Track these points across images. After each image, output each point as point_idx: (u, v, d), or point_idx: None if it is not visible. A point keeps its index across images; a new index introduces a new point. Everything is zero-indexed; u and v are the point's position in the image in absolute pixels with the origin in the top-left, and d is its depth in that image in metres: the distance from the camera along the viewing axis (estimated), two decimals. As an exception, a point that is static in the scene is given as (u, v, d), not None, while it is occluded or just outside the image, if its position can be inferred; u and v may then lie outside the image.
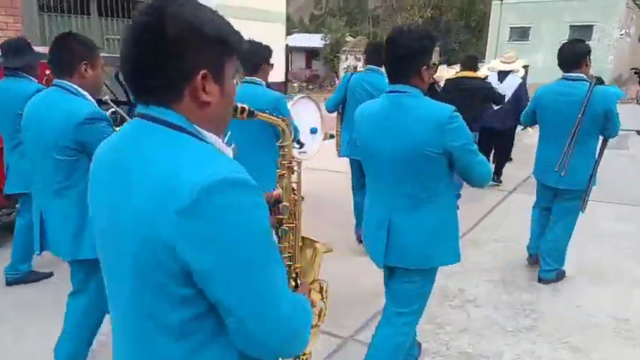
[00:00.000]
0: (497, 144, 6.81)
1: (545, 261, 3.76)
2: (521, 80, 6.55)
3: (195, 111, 0.97)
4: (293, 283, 1.33)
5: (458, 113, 2.03)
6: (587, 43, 3.54)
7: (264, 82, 3.34)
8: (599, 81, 3.34)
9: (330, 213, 5.20)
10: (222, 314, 0.93)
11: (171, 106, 0.96)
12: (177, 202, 0.85)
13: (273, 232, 1.27)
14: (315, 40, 45.44)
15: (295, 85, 40.96)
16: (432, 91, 3.48)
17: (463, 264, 4.00)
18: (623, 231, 5.07)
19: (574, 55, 3.38)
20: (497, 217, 5.60)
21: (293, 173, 1.38)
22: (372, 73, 4.15)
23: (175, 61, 0.93)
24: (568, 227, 3.70)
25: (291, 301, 0.98)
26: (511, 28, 31.40)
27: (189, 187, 0.85)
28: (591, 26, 28.82)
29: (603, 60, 26.92)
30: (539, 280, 3.80)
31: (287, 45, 14.13)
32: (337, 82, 34.30)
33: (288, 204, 1.33)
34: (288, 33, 64.33)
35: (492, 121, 6.20)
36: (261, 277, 0.92)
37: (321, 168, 6.89)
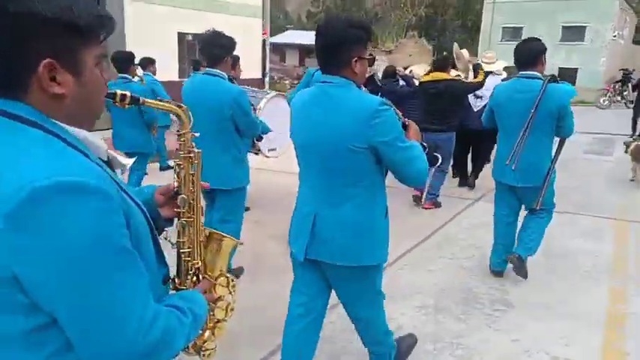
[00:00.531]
0: (476, 145, 6.58)
1: (522, 244, 3.71)
2: (501, 82, 6.25)
3: (48, 103, 0.90)
4: (194, 279, 1.29)
5: (387, 106, 1.90)
6: (540, 41, 3.46)
7: (225, 75, 3.22)
8: (554, 79, 3.31)
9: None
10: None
11: (20, 97, 0.88)
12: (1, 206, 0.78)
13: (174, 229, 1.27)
14: (309, 37, 44.95)
15: (287, 82, 40.57)
16: (372, 83, 3.12)
17: (395, 285, 3.62)
18: (586, 248, 4.60)
19: (530, 53, 3.35)
20: (451, 231, 5.14)
21: (192, 164, 1.29)
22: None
23: (14, 48, 0.85)
24: (545, 224, 3.72)
25: (148, 315, 0.90)
26: (503, 28, 30.93)
27: (12, 191, 0.78)
28: (584, 27, 28.37)
29: (595, 62, 26.49)
30: (514, 258, 3.69)
31: (265, 40, 13.60)
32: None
33: (186, 196, 1.27)
34: (283, 30, 64.46)
35: (471, 121, 5.98)
36: (99, 293, 0.85)
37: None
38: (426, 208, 5.73)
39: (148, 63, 6.91)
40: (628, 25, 33.37)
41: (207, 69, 3.24)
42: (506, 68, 7.21)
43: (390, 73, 6.53)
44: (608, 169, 8.40)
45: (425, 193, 5.73)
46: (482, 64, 6.36)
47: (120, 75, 5.04)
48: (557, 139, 3.56)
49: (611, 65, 28.26)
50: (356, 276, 2.13)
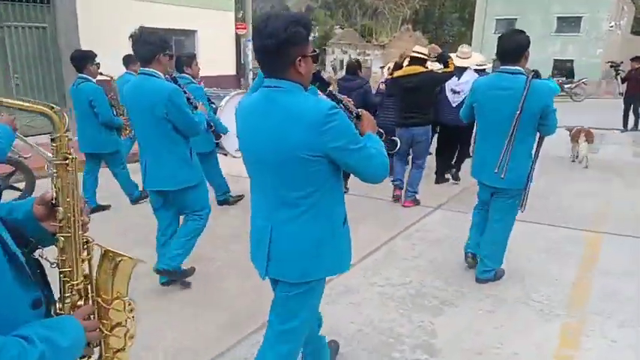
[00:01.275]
0: (455, 141, 6.49)
1: (484, 262, 3.62)
2: (477, 75, 6.01)
3: None
4: (79, 302, 1.18)
5: (337, 109, 1.77)
6: (524, 33, 3.22)
7: (159, 73, 3.12)
8: (536, 75, 3.11)
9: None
10: None
11: None
12: None
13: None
14: (304, 33, 44.16)
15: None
16: (319, 80, 2.58)
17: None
18: (546, 271, 3.90)
19: (514, 47, 3.15)
20: (396, 246, 4.44)
21: (68, 172, 1.17)
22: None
23: None
24: (507, 227, 3.57)
25: None
26: (497, 19, 29.96)
27: None
28: (579, 18, 27.39)
29: (591, 53, 25.58)
30: (478, 281, 3.63)
31: (237, 34, 12.85)
32: (324, 74, 33.16)
33: (63, 209, 1.16)
34: None
35: (449, 116, 5.95)
36: None
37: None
38: (405, 206, 5.52)
39: (129, 61, 6.21)
40: (626, 15, 32.31)
41: (141, 69, 3.16)
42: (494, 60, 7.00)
43: (352, 69, 6.05)
44: (590, 169, 7.66)
45: (403, 192, 5.62)
46: (457, 58, 6.04)
47: (79, 75, 4.82)
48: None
49: (608, 56, 27.28)
50: (313, 287, 2.01)
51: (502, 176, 3.16)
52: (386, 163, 1.91)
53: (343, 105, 2.02)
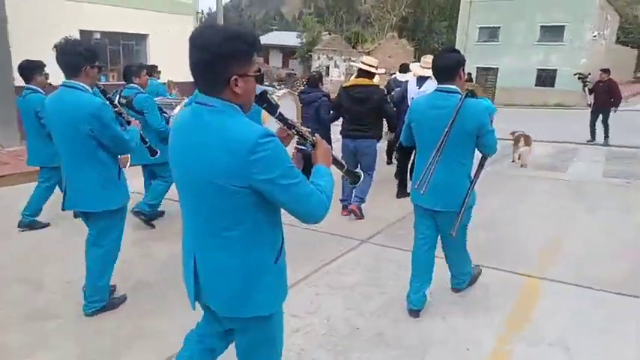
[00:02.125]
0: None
1: (456, 277, 3.57)
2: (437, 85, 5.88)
3: None
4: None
5: (271, 137, 1.54)
6: (459, 52, 3.16)
7: (85, 86, 2.93)
8: (472, 94, 2.98)
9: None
10: None
11: None
12: None
13: None
14: (293, 38, 43.57)
15: (266, 83, 39.11)
16: (266, 102, 1.97)
17: None
18: (461, 334, 3.14)
19: (447, 66, 3.06)
20: (300, 295, 3.66)
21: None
22: None
23: None
24: (463, 250, 3.42)
25: None
26: (480, 28, 29.30)
27: None
28: (563, 27, 26.74)
29: (574, 63, 24.91)
30: (456, 291, 3.60)
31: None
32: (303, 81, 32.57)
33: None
34: (268, 30, 62.89)
35: None
36: None
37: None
38: (351, 209, 5.37)
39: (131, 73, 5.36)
40: (610, 25, 31.82)
41: (64, 80, 2.96)
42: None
43: (313, 81, 5.98)
44: (550, 189, 6.93)
45: (353, 197, 5.46)
46: (420, 68, 6.06)
47: (26, 86, 4.67)
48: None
49: (592, 67, 26.70)
50: (250, 327, 1.83)
51: (421, 192, 2.94)
52: (326, 203, 1.71)
53: (296, 131, 1.83)
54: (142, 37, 10.84)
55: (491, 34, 28.87)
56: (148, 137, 4.06)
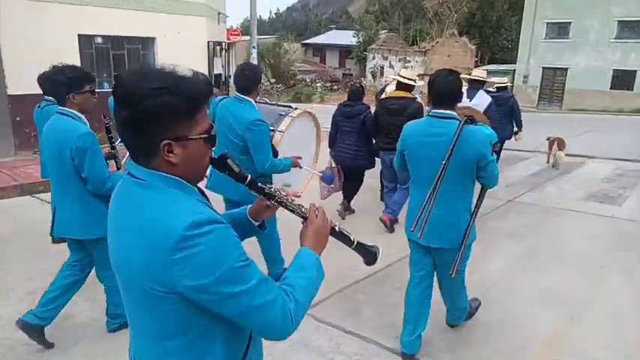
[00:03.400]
0: None
1: (452, 312, 3.28)
2: (489, 98, 5.89)
3: None
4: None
5: (208, 227, 1.11)
6: (459, 75, 2.88)
7: (76, 113, 2.80)
8: (471, 120, 2.68)
9: None
10: None
11: None
12: None
13: None
14: (350, 37, 42.34)
15: (318, 85, 38.09)
16: (225, 168, 1.35)
17: None
18: None
19: (449, 90, 2.76)
20: None
21: None
22: (237, 101, 3.40)
23: None
24: (460, 287, 3.10)
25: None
26: (547, 23, 26.36)
27: None
28: (644, 22, 23.43)
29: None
30: (452, 326, 3.34)
31: (209, 42, 11.20)
32: (363, 82, 31.10)
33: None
34: (327, 29, 61.81)
35: None
36: None
37: None
38: (382, 220, 5.18)
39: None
40: None
41: (58, 107, 2.88)
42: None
43: (356, 95, 5.63)
44: (597, 238, 5.27)
45: (385, 207, 5.39)
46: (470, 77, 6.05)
47: (44, 97, 4.30)
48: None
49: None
50: None
51: (419, 235, 2.69)
52: (294, 315, 1.21)
53: (278, 202, 1.40)
54: (148, 41, 10.13)
55: (560, 30, 25.90)
56: None
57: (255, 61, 15.19)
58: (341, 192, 5.61)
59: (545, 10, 26.17)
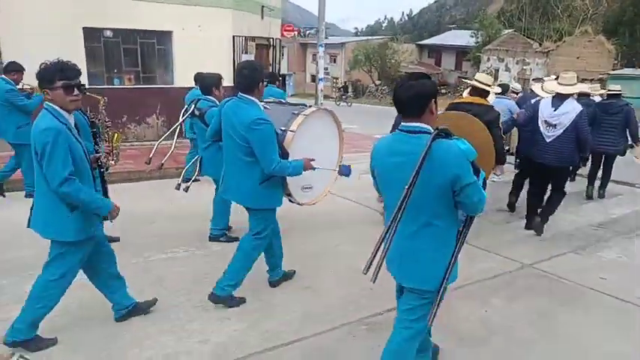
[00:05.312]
0: (546, 182, 5.44)
1: None
2: (579, 107, 5.06)
3: None
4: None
5: None
6: (432, 80, 2.34)
7: (55, 107, 2.68)
8: (444, 134, 2.18)
9: None
10: None
11: None
12: None
13: None
14: (467, 38, 38.85)
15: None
16: None
17: None
18: None
19: (413, 97, 2.24)
20: None
21: None
22: (240, 102, 3.31)
23: None
24: (415, 335, 2.46)
25: None
26: None
27: None
28: None
29: None
30: None
31: (235, 37, 10.12)
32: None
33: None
34: (443, 30, 58.56)
35: (540, 153, 5.11)
36: None
37: None
38: None
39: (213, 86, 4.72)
40: None
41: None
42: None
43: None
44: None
45: None
46: (557, 85, 5.24)
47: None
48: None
49: None
50: None
51: (372, 280, 2.08)
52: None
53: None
54: (164, 35, 9.41)
55: None
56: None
57: (321, 60, 13.98)
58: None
59: None
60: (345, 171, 3.70)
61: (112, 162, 4.43)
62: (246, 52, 10.66)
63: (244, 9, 10.66)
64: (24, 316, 2.85)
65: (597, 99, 7.63)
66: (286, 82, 19.83)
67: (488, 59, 31.97)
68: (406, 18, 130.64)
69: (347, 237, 5.04)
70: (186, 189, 4.55)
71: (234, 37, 10.10)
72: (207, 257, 4.42)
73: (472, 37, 37.23)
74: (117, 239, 4.48)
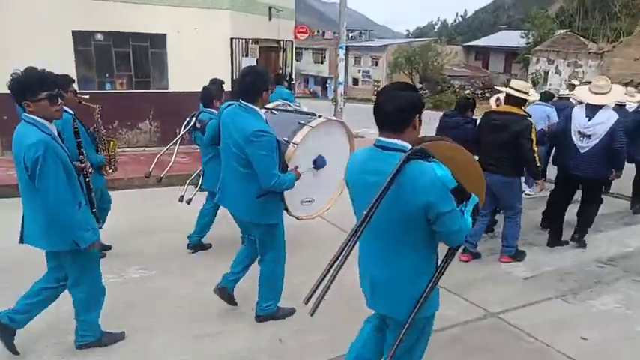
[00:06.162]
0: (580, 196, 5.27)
1: None
2: (615, 115, 4.76)
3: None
4: None
5: None
6: (416, 91, 2.10)
7: (40, 120, 2.62)
8: (421, 154, 1.90)
9: None
10: None
11: None
12: None
13: None
14: (517, 39, 36.73)
15: (467, 92, 33.53)
16: None
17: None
18: None
19: (394, 110, 1.99)
20: None
21: None
22: (240, 110, 3.09)
23: None
24: None
25: None
26: None
27: None
28: None
29: None
30: None
31: (233, 39, 9.59)
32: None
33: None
34: (496, 30, 56.00)
35: (576, 165, 4.89)
36: None
37: None
38: (502, 262, 4.72)
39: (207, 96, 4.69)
40: None
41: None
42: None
43: (462, 108, 5.35)
44: None
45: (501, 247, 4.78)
46: (590, 94, 4.83)
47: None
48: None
49: None
50: None
51: (310, 313, 1.95)
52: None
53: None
54: (158, 38, 9.06)
55: None
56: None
57: (342, 63, 13.38)
58: None
59: None
60: (320, 163, 3.57)
61: (110, 171, 4.42)
62: (246, 55, 10.16)
63: (246, 10, 10.17)
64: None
65: (630, 106, 6.65)
66: (327, 85, 18.88)
67: (538, 61, 29.99)
68: (460, 19, 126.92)
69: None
70: (189, 201, 4.42)
71: (232, 39, 9.61)
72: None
73: (522, 37, 35.19)
74: (109, 247, 4.57)
